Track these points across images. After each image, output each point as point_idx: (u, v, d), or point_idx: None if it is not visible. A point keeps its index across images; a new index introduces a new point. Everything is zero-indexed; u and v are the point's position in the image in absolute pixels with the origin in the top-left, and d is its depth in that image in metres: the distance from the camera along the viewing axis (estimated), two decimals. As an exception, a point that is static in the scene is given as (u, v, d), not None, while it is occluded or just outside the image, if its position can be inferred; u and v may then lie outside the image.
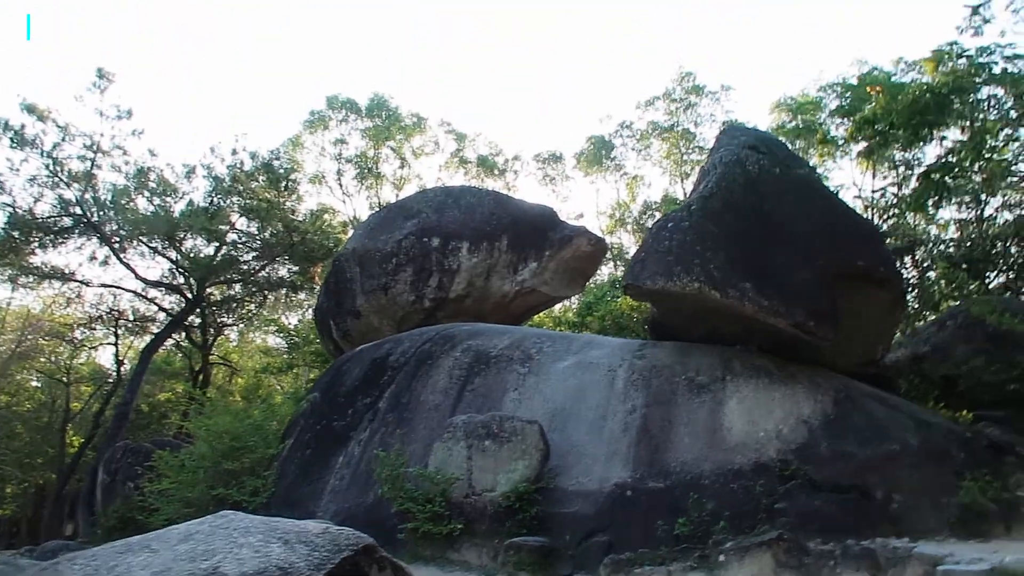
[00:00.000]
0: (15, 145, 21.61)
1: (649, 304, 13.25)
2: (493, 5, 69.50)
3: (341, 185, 31.03)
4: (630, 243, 28.99)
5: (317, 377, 17.97)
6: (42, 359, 29.79)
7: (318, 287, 22.16)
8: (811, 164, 20.72)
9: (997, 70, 18.39)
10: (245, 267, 25.74)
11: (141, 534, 3.94)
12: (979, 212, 20.82)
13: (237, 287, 26.83)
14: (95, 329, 28.62)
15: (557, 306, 23.22)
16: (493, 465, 9.85)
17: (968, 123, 19.05)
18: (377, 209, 23.83)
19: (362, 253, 16.32)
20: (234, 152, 24.93)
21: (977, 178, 19.15)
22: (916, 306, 19.45)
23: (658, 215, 18.77)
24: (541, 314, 22.41)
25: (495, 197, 17.65)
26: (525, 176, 34.41)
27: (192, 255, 24.88)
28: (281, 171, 25.57)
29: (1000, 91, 18.63)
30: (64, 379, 29.00)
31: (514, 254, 15.88)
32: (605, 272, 27.10)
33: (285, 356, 25.89)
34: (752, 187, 11.49)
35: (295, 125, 51.39)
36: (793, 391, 10.19)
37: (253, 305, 28.05)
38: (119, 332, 28.30)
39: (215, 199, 24.43)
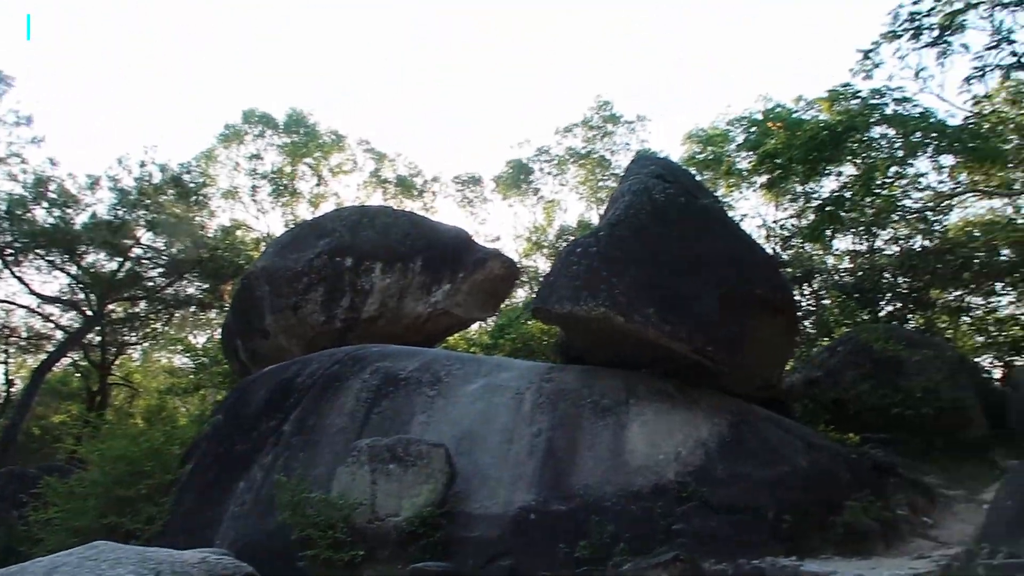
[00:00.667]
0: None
1: (558, 328, 13.45)
2: (413, 27, 69.76)
3: (256, 201, 30.40)
4: (546, 267, 29.38)
5: (222, 399, 17.43)
6: (-77, 378, 27.86)
7: (228, 305, 21.56)
8: (718, 194, 21.58)
9: (888, 111, 19.64)
10: (150, 283, 24.82)
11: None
12: (870, 244, 22.04)
13: (141, 304, 25.84)
14: (-18, 347, 26.99)
15: (473, 327, 23.27)
16: (398, 489, 9.76)
17: (860, 160, 20.25)
18: (291, 227, 23.41)
19: (272, 271, 15.99)
20: (142, 164, 24.14)
21: (869, 212, 20.31)
22: (811, 333, 20.40)
23: (572, 239, 19.13)
24: (456, 336, 22.39)
25: (411, 218, 17.62)
26: (444, 197, 34.58)
27: (93, 270, 23.81)
28: (192, 185, 24.88)
29: (890, 131, 19.87)
30: (-53, 400, 27.15)
31: (428, 275, 15.86)
32: (521, 295, 27.37)
33: (191, 376, 24.99)
34: (659, 215, 11.84)
35: (209, 138, 50.15)
36: (693, 414, 10.49)
37: (158, 323, 27.04)
38: (9, 350, 26.75)
39: (120, 212, 23.50)
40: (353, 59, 71.61)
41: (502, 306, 21.58)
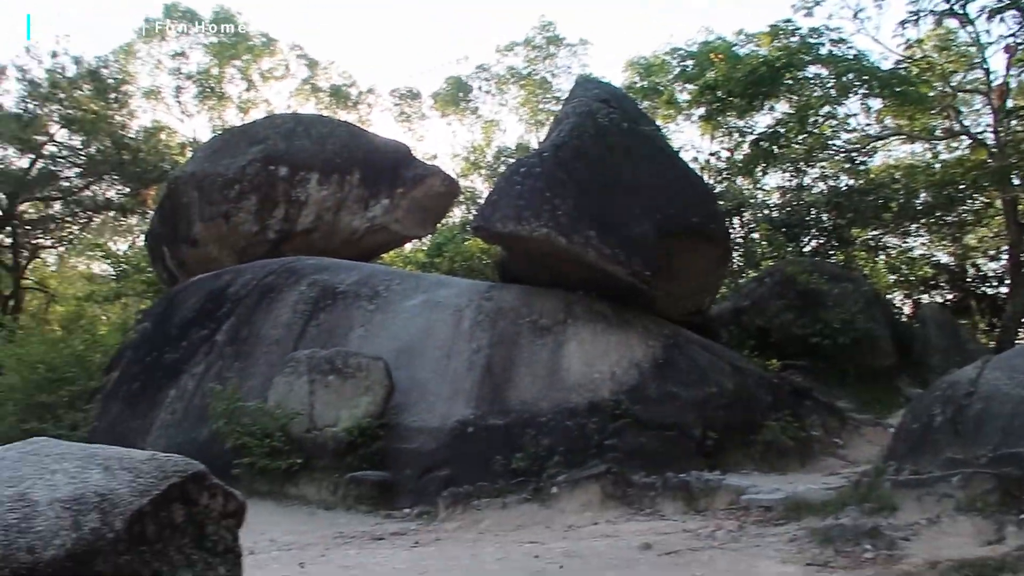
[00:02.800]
0: None
1: (498, 247, 13.49)
2: (353, -73, 66.01)
3: (180, 103, 28.80)
4: (483, 187, 29.13)
5: (148, 307, 16.93)
6: None
7: (151, 211, 20.69)
8: (656, 124, 21.69)
9: (824, 51, 19.99)
10: (67, 184, 23.44)
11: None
12: (799, 181, 22.67)
13: (57, 205, 24.41)
14: None
15: (408, 246, 23.07)
16: (336, 400, 9.80)
17: (796, 97, 20.64)
18: (220, 132, 22.41)
19: (201, 177, 15.36)
20: (54, 55, 22.44)
21: (800, 149, 20.84)
22: (740, 263, 21.09)
23: (512, 161, 19.00)
24: (391, 252, 22.20)
25: (349, 129, 17.11)
26: (380, 111, 33.57)
27: (2, 166, 22.32)
28: (110, 81, 23.31)
29: (824, 71, 20.28)
30: None
31: (366, 190, 15.53)
32: (457, 214, 27.19)
33: (112, 284, 24.03)
34: (601, 139, 11.86)
35: (128, 32, 47.02)
36: (627, 336, 10.80)
37: (76, 227, 25.71)
38: (-90, 248, 25.11)
39: (30, 105, 21.92)
40: (284, -42, 67.48)
41: (439, 225, 21.41)
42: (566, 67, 30.16)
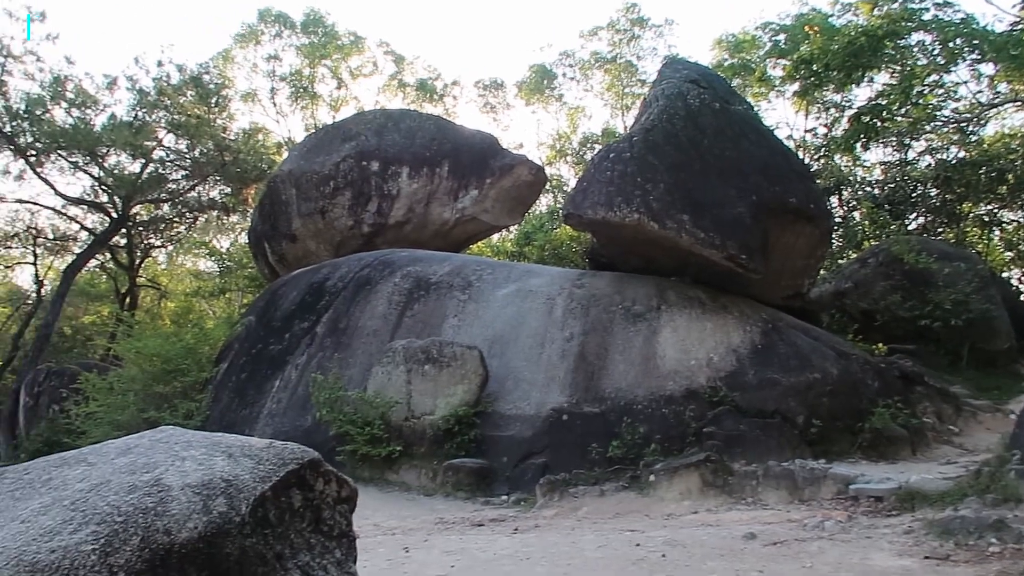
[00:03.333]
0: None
1: (588, 234, 13.39)
2: (435, -79, 66.50)
3: (275, 104, 29.85)
4: (569, 174, 29.01)
5: (251, 301, 17.69)
6: (-47, 278, 28.31)
7: (251, 210, 21.55)
8: (748, 102, 20.97)
9: (927, 16, 18.80)
10: (174, 186, 24.71)
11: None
12: (903, 155, 21.51)
13: (165, 207, 25.79)
14: (11, 247, 27.22)
15: (495, 236, 23.23)
16: (433, 389, 9.99)
17: (898, 67, 19.54)
18: (314, 130, 23.11)
19: (298, 175, 15.91)
20: (160, 64, 23.66)
21: (903, 122, 19.73)
22: (840, 244, 20.22)
23: (598, 147, 18.82)
24: (479, 243, 22.42)
25: (436, 122, 17.34)
26: (465, 103, 33.94)
27: (116, 172, 23.70)
28: (211, 86, 24.34)
29: (928, 38, 19.09)
30: (-22, 300, 27.72)
31: (455, 181, 15.73)
32: (544, 203, 27.16)
33: (217, 280, 25.28)
34: (692, 121, 11.61)
35: (225, 38, 48.98)
36: (724, 321, 10.56)
37: (183, 227, 27.12)
38: (37, 251, 27.04)
39: (140, 113, 23.16)
40: (368, -44, 68.73)
41: (527, 214, 21.45)
42: (652, 49, 29.60)
